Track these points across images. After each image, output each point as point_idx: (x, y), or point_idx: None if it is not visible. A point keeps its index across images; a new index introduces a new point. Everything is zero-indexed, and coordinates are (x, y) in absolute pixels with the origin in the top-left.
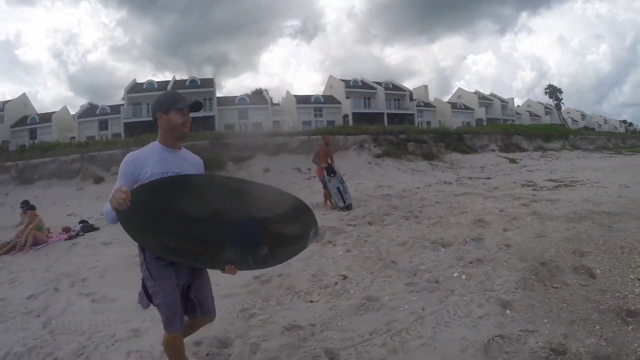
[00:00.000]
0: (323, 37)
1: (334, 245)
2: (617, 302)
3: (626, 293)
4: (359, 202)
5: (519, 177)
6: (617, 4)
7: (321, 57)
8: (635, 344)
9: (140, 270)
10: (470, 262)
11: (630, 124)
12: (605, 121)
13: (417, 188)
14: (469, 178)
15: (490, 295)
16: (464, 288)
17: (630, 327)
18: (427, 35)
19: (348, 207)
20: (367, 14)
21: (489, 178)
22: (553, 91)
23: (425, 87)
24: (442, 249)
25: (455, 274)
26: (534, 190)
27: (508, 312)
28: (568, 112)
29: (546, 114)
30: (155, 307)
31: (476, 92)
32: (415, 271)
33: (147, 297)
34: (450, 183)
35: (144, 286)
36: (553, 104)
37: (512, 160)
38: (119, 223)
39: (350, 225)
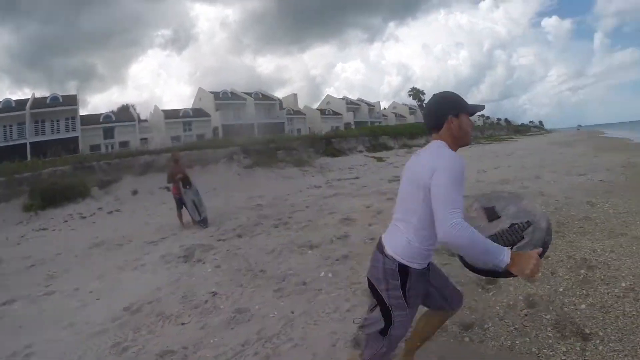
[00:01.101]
0: (195, 48)
1: (204, 263)
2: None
3: None
4: (229, 215)
5: (386, 174)
6: (476, 15)
7: (192, 69)
8: (497, 307)
9: (387, 295)
10: (337, 260)
11: (488, 117)
12: None
13: (288, 195)
14: (338, 180)
15: (357, 287)
16: (331, 285)
17: (491, 293)
18: (299, 45)
19: (204, 222)
20: (240, 24)
21: (357, 178)
22: (416, 93)
23: (295, 95)
24: (310, 251)
25: (322, 274)
26: (399, 184)
27: None
28: None
29: (411, 114)
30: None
31: (344, 98)
32: (284, 277)
33: (386, 324)
34: (320, 186)
35: (387, 312)
36: (417, 105)
37: (379, 159)
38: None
39: (220, 240)
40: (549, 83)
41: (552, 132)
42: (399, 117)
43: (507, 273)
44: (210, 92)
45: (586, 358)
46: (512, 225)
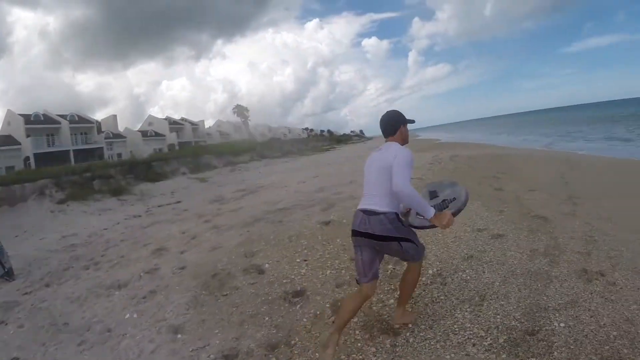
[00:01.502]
0: (8, 61)
1: (6, 324)
2: (285, 288)
3: (293, 277)
4: (39, 261)
5: (209, 195)
6: (301, 34)
7: (3, 86)
8: (305, 319)
9: (399, 232)
10: (143, 298)
11: (312, 130)
12: (290, 131)
13: (105, 229)
14: (159, 206)
15: (162, 325)
16: (136, 327)
17: (298, 306)
18: (123, 61)
19: (9, 273)
20: (60, 34)
21: (179, 202)
22: (240, 110)
23: (115, 116)
24: (117, 292)
25: (127, 315)
26: (221, 204)
27: (179, 336)
28: (256, 127)
29: (235, 132)
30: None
31: (167, 118)
32: (89, 326)
33: (414, 241)
34: (139, 216)
35: (409, 241)
36: (241, 122)
37: (203, 180)
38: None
39: (26, 293)
40: (368, 96)
41: (372, 139)
42: (224, 135)
43: (432, 226)
44: (20, 114)
45: (397, 354)
46: (443, 200)
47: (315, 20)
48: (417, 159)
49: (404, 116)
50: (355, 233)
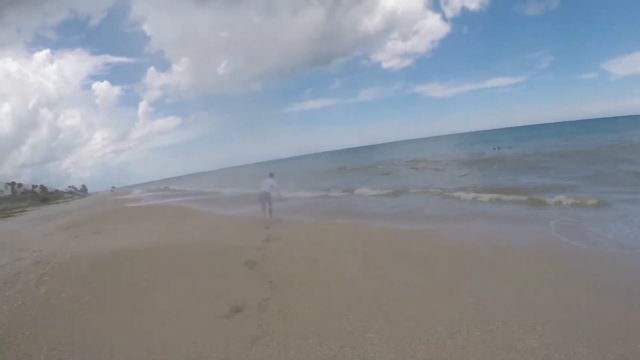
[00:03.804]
0: None
1: None
2: None
3: None
4: None
5: None
6: (28, 65)
7: None
8: None
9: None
10: None
11: (20, 185)
12: None
13: None
14: None
15: None
16: None
17: None
18: None
19: None
20: None
21: None
22: None
23: None
24: None
25: None
26: None
27: None
28: None
29: None
30: None
31: None
32: None
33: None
34: None
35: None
36: None
37: None
38: None
39: None
40: (94, 146)
41: (91, 195)
42: None
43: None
44: None
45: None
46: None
47: (46, 52)
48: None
49: None
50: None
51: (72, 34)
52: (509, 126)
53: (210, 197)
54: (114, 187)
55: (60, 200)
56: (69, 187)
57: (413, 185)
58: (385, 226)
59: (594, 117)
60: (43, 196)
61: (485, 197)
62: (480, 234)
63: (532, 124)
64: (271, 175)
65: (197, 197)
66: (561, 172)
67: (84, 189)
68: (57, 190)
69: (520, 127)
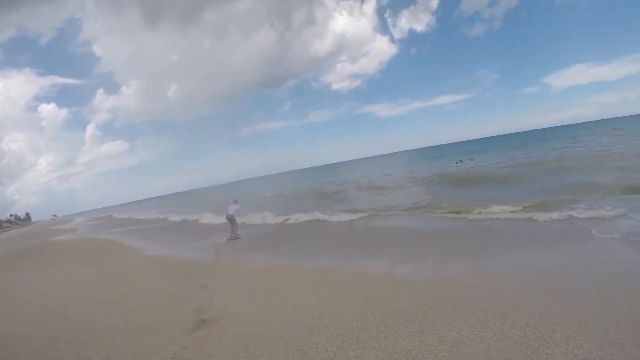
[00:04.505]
0: None
1: None
2: None
3: None
4: None
5: None
6: None
7: None
8: None
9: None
10: None
11: None
12: None
13: None
14: None
15: None
16: None
17: None
18: None
19: None
20: None
21: None
22: None
23: None
24: None
25: None
26: None
27: None
28: None
29: None
30: None
31: None
32: None
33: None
34: None
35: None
36: None
37: None
38: None
39: None
40: (39, 171)
41: (32, 224)
42: None
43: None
44: None
45: None
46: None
47: None
48: None
49: None
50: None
51: (19, 52)
52: (458, 141)
53: (150, 227)
54: (55, 216)
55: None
56: (10, 215)
57: (385, 205)
58: (388, 272)
59: (538, 128)
60: None
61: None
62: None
63: (481, 137)
64: (235, 201)
65: (133, 227)
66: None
67: (27, 217)
68: None
69: (468, 141)
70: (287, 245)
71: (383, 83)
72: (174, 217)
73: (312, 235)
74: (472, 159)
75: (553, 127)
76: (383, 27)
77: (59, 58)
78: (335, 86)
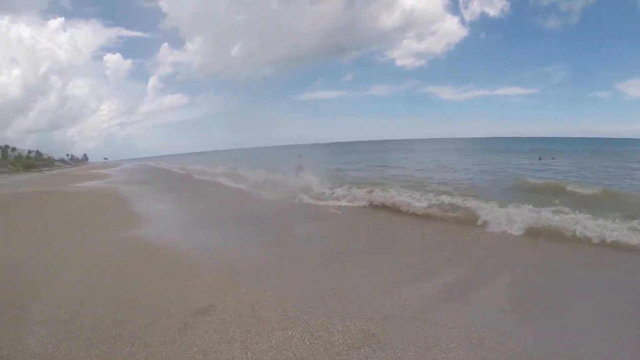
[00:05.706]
0: None
1: None
2: None
3: None
4: None
5: None
6: (41, 32)
7: None
8: None
9: None
10: None
11: (14, 149)
12: None
13: None
14: None
15: None
16: None
17: None
18: None
19: None
20: None
21: None
22: None
23: None
24: None
25: None
26: None
27: None
28: None
29: None
30: None
31: None
32: None
33: None
34: None
35: None
36: None
37: None
38: None
39: None
40: (100, 117)
41: (87, 165)
42: None
43: None
44: None
45: None
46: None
47: (60, 20)
48: None
49: None
50: None
51: (87, 4)
52: (518, 136)
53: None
54: (106, 159)
55: (45, 169)
56: (67, 155)
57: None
58: None
59: (605, 137)
60: (27, 163)
61: None
62: None
63: (543, 136)
64: (300, 155)
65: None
66: None
67: (85, 157)
68: (50, 157)
69: (531, 138)
70: None
71: (448, 65)
72: (214, 169)
73: None
74: (553, 158)
75: (622, 138)
76: (454, 7)
77: (126, 11)
78: (399, 62)
